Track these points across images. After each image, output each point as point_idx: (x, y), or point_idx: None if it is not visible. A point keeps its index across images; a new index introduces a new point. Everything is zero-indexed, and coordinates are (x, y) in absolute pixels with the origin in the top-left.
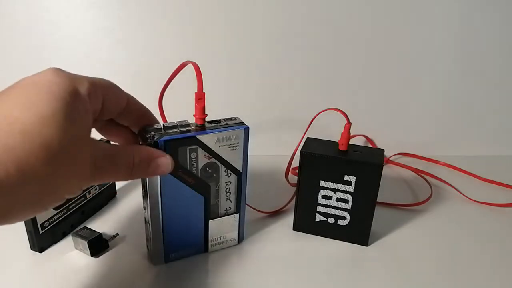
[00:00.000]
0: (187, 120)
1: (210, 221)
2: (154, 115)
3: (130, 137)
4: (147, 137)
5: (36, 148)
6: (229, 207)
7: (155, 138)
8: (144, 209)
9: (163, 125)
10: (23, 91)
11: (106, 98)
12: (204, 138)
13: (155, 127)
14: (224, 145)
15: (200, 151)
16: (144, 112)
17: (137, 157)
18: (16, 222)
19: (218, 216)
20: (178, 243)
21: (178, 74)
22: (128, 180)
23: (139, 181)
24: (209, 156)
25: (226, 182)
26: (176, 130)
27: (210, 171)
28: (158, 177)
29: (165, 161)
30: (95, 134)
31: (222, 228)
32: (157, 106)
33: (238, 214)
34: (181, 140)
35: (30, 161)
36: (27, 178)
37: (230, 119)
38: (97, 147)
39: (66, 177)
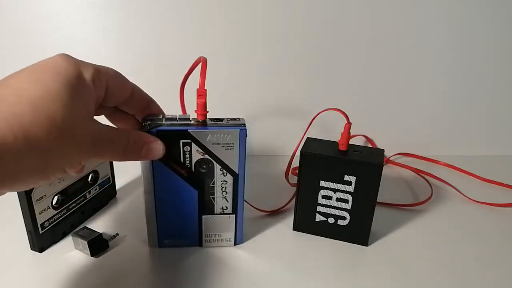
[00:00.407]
0: (189, 115)
1: (203, 216)
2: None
3: (135, 125)
4: (143, 125)
5: (41, 119)
6: (226, 207)
7: (149, 127)
8: None
9: (165, 116)
10: (33, 70)
11: (110, 86)
12: (196, 133)
13: (156, 117)
14: (217, 144)
15: (194, 146)
16: (148, 102)
17: (132, 139)
18: (20, 189)
19: (213, 213)
20: (172, 230)
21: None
22: (122, 161)
23: (139, 181)
24: (203, 152)
25: (222, 181)
26: (175, 122)
27: (205, 167)
28: (151, 163)
29: (157, 146)
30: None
31: (217, 226)
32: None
33: (234, 215)
34: (173, 132)
35: (35, 130)
36: (32, 145)
37: (234, 119)
38: (97, 127)
39: (67, 150)
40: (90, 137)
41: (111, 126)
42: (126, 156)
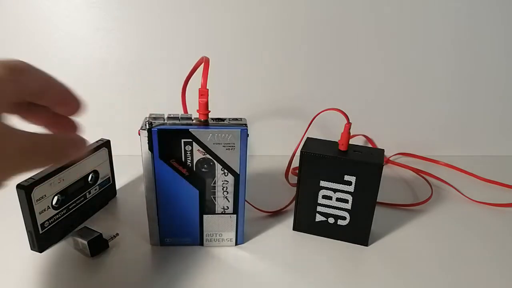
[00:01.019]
0: (191, 114)
1: (204, 215)
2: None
3: (51, 116)
4: (145, 123)
5: None
6: (227, 207)
7: (150, 126)
8: None
9: (167, 115)
10: None
11: (23, 80)
12: (197, 133)
13: (159, 116)
14: (218, 143)
15: (195, 145)
16: (64, 92)
17: (54, 144)
18: None
19: (214, 212)
20: (173, 229)
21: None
22: (55, 166)
23: (139, 181)
24: (204, 151)
25: (223, 181)
26: (177, 121)
27: (206, 166)
28: (152, 162)
29: (77, 137)
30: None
31: (218, 225)
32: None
33: (235, 215)
34: (174, 132)
35: None
36: None
37: (236, 119)
38: (21, 135)
39: None
40: (17, 148)
41: (33, 133)
42: (56, 161)
